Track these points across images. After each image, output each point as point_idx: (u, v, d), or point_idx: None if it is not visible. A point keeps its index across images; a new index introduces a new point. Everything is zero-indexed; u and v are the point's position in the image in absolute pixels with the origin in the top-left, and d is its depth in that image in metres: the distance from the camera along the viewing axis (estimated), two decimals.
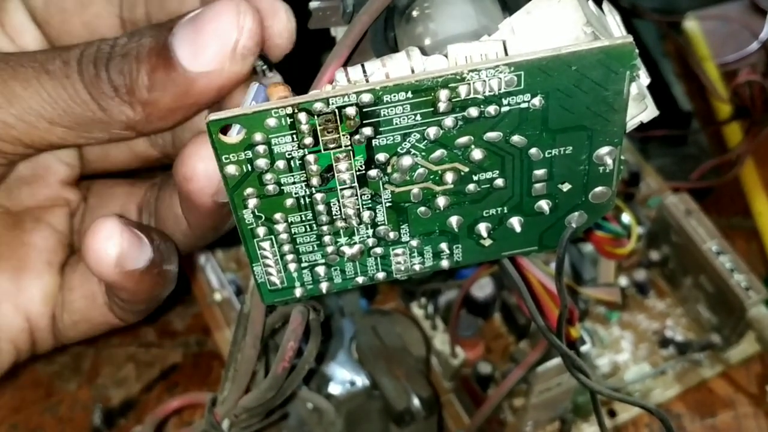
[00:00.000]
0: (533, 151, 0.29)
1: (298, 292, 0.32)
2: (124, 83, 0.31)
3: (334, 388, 0.53)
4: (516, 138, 0.28)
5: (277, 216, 0.29)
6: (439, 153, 0.28)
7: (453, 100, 0.27)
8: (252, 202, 0.29)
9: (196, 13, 0.30)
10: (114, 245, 0.31)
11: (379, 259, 0.32)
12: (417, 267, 0.32)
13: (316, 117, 0.27)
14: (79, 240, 0.39)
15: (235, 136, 0.27)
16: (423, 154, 0.28)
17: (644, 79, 0.29)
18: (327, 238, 0.31)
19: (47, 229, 0.37)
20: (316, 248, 0.31)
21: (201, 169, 0.30)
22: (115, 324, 0.38)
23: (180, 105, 0.31)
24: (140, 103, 0.31)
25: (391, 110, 0.27)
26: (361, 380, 0.53)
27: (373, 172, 0.29)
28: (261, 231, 0.30)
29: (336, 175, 0.28)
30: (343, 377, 0.53)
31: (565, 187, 0.30)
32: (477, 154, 0.29)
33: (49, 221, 0.38)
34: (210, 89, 0.30)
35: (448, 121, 0.28)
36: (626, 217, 0.54)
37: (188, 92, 0.30)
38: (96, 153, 0.40)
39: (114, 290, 0.35)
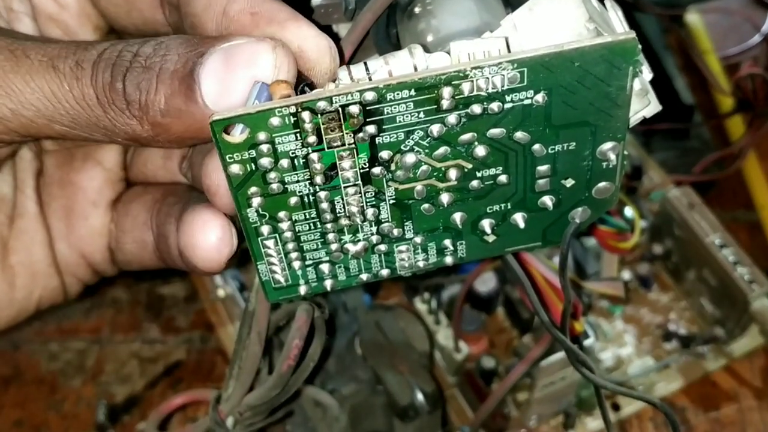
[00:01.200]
0: (536, 147, 0.29)
1: (302, 289, 0.32)
2: (138, 99, 0.29)
3: (338, 384, 0.53)
4: (519, 134, 0.28)
5: (281, 214, 0.29)
6: (442, 150, 0.28)
7: (456, 97, 0.27)
8: (256, 201, 0.29)
9: (231, 45, 0.28)
10: (218, 240, 0.31)
11: (383, 256, 0.32)
12: (421, 264, 0.32)
13: (319, 115, 0.27)
14: (133, 174, 0.39)
15: (238, 135, 0.27)
16: (426, 151, 0.28)
17: (647, 74, 0.29)
18: (331, 236, 0.31)
19: (95, 168, 0.37)
20: (320, 246, 0.31)
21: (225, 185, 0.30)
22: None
23: (192, 136, 0.29)
24: (150, 123, 0.29)
25: (395, 108, 0.27)
26: (365, 375, 0.53)
27: (376, 170, 0.29)
28: (265, 229, 0.30)
29: (340, 173, 0.28)
30: (347, 372, 0.53)
31: (569, 182, 0.30)
32: (480, 150, 0.29)
33: (99, 158, 0.37)
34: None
35: (452, 119, 0.28)
36: (629, 211, 0.54)
37: (204, 128, 0.28)
38: None
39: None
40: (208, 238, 0.32)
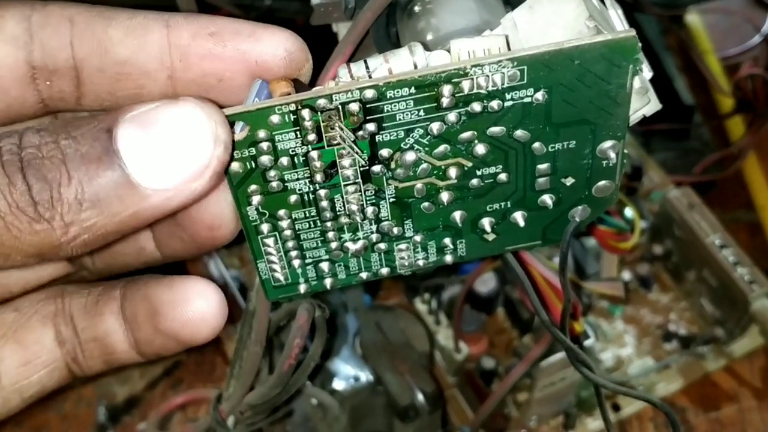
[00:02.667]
0: (536, 145, 0.29)
1: (302, 288, 0.32)
2: (49, 195, 0.23)
3: (339, 384, 0.53)
4: (519, 132, 0.28)
5: (281, 212, 0.29)
6: (442, 148, 0.28)
7: (456, 95, 0.27)
8: (256, 199, 0.29)
9: (143, 111, 0.25)
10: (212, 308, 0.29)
11: (382, 254, 0.32)
12: (421, 262, 0.32)
13: (319, 113, 0.27)
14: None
15: (238, 133, 0.27)
16: (426, 149, 0.28)
17: (647, 72, 0.29)
18: (331, 234, 0.31)
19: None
20: (320, 244, 0.31)
21: (228, 213, 0.29)
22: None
23: (122, 228, 0.25)
24: (66, 223, 0.24)
25: (395, 106, 0.27)
26: (365, 376, 0.53)
27: (376, 168, 0.29)
28: (265, 227, 0.30)
29: (340, 171, 0.28)
30: (347, 373, 0.54)
31: (569, 181, 0.30)
32: (480, 148, 0.29)
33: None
34: (166, 209, 0.25)
35: (452, 117, 0.27)
36: (629, 212, 0.54)
37: (135, 213, 0.24)
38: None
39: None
40: (205, 306, 0.29)
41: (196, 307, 0.29)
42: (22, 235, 0.24)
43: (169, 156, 0.24)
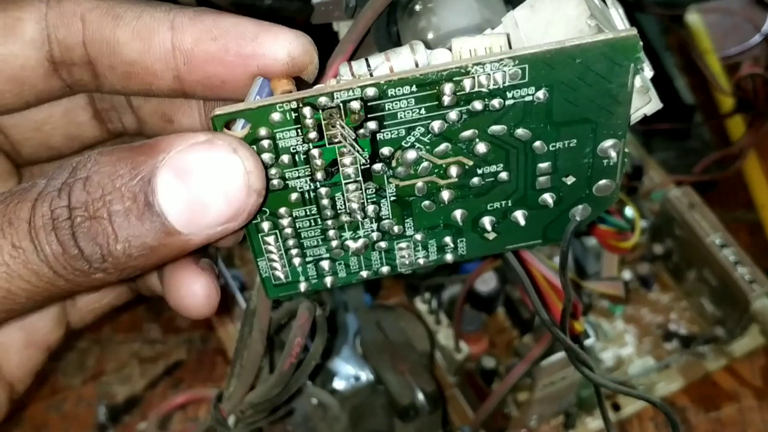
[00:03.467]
0: (537, 144, 0.29)
1: (302, 286, 0.32)
2: (100, 254, 0.26)
3: (339, 384, 0.53)
4: (520, 131, 0.28)
5: (282, 210, 0.29)
6: (443, 147, 0.28)
7: (457, 93, 0.27)
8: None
9: (178, 155, 0.26)
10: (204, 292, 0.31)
11: (383, 253, 0.32)
12: (421, 261, 0.32)
13: (320, 111, 0.27)
14: None
15: (239, 130, 0.27)
16: (427, 147, 0.28)
17: (648, 71, 0.29)
18: (331, 233, 0.31)
19: None
20: (320, 243, 0.31)
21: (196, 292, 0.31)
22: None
23: (167, 261, 0.27)
24: (121, 269, 0.26)
25: (396, 104, 0.27)
26: (366, 375, 0.53)
27: (377, 166, 0.29)
28: (265, 226, 0.30)
29: (340, 169, 0.28)
30: (348, 372, 0.54)
31: (569, 180, 0.30)
32: (481, 147, 0.29)
33: None
34: (207, 243, 0.27)
35: (453, 115, 0.27)
36: (630, 211, 0.54)
37: (180, 252, 0.26)
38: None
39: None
40: (195, 296, 0.31)
41: (187, 294, 0.32)
42: (83, 284, 0.26)
43: (207, 205, 0.26)
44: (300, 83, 0.29)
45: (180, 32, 0.28)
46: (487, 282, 0.59)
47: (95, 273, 0.26)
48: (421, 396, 0.51)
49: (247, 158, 0.26)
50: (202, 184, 0.26)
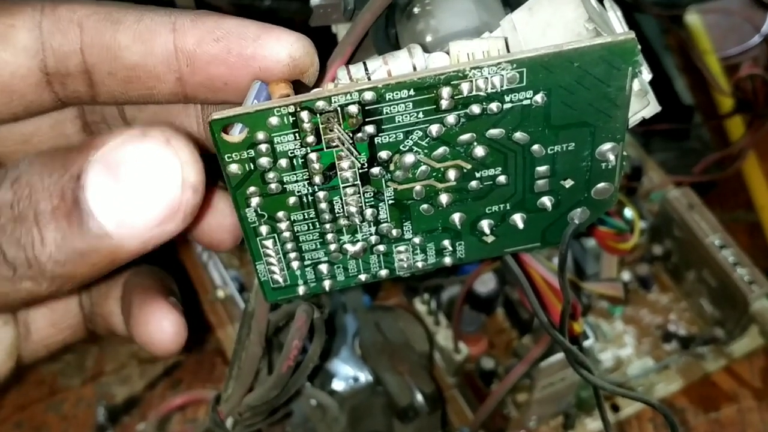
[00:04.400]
0: (536, 147, 0.29)
1: (301, 290, 0.32)
2: (24, 258, 0.24)
3: (338, 385, 0.53)
4: (518, 135, 0.28)
5: (280, 214, 0.29)
6: (441, 150, 0.28)
7: (455, 97, 0.27)
8: (254, 201, 0.29)
9: (110, 151, 0.24)
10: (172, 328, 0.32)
11: (381, 256, 0.32)
12: (420, 264, 0.32)
13: (318, 115, 0.27)
14: None
15: (237, 134, 0.27)
16: (425, 151, 0.28)
17: (646, 74, 0.29)
18: (330, 236, 0.31)
19: None
20: (318, 246, 0.31)
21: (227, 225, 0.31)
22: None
23: (101, 271, 0.25)
24: (48, 278, 0.24)
25: (394, 108, 0.27)
26: (365, 376, 0.53)
27: (375, 170, 0.29)
28: (264, 229, 0.30)
29: (338, 173, 0.28)
30: (347, 373, 0.54)
31: (568, 183, 0.30)
32: (479, 151, 0.29)
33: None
34: (143, 250, 0.25)
35: (451, 119, 0.27)
36: (629, 212, 0.54)
37: (114, 259, 0.25)
38: None
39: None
40: (164, 333, 0.31)
41: (156, 330, 0.32)
42: (9, 293, 0.25)
43: (138, 202, 0.24)
44: (298, 87, 0.29)
45: (182, 34, 0.28)
46: (486, 283, 0.59)
47: (22, 281, 0.24)
48: (420, 397, 0.51)
49: (182, 149, 0.25)
50: (134, 178, 0.24)
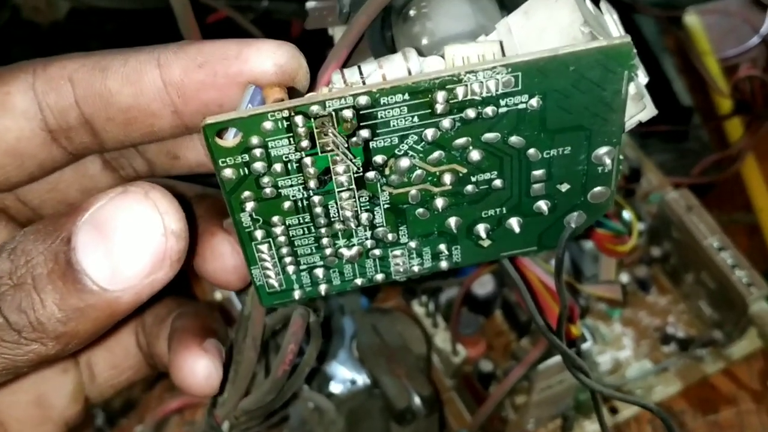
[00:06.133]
0: (531, 151, 0.29)
1: (296, 294, 0.32)
2: (28, 321, 0.25)
3: (335, 387, 0.53)
4: (514, 139, 0.28)
5: (275, 219, 0.29)
6: (437, 154, 0.28)
7: (450, 101, 0.27)
8: (249, 206, 0.28)
9: (94, 212, 0.25)
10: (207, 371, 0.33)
11: (377, 260, 0.32)
12: (416, 268, 0.32)
13: (312, 120, 0.26)
14: None
15: (231, 139, 0.27)
16: (421, 155, 0.28)
17: (642, 78, 0.29)
18: (325, 241, 0.30)
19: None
20: (314, 251, 0.31)
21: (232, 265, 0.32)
22: None
23: (103, 325, 0.26)
24: (53, 338, 0.26)
25: (389, 112, 0.27)
26: (362, 379, 0.53)
27: (370, 174, 0.29)
28: (259, 234, 0.29)
29: (333, 177, 0.28)
30: (344, 376, 0.53)
31: (564, 187, 0.30)
32: (475, 155, 0.28)
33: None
34: (139, 300, 0.26)
35: (446, 123, 0.27)
36: (627, 214, 0.54)
37: (112, 312, 0.26)
38: None
39: None
40: (196, 377, 0.33)
41: (188, 375, 0.33)
42: (16, 358, 0.26)
43: (126, 256, 0.25)
44: (291, 92, 0.28)
45: (167, 68, 0.29)
46: (484, 285, 0.59)
47: (29, 344, 0.26)
48: (417, 399, 0.51)
49: (160, 199, 0.26)
50: (119, 235, 0.25)
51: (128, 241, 0.25)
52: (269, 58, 0.28)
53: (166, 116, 0.29)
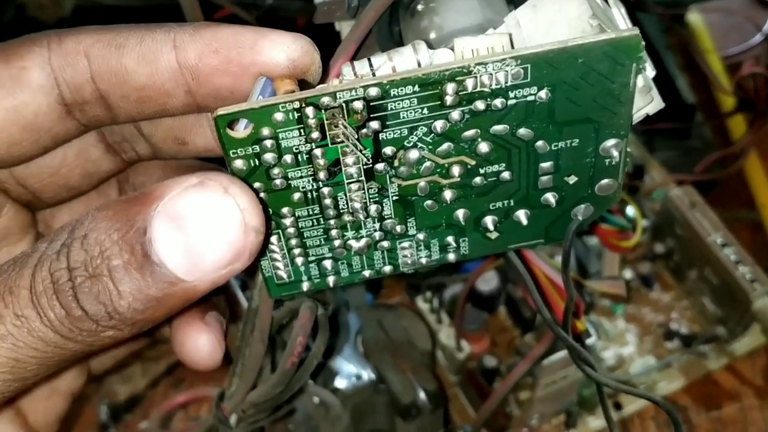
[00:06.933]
0: (540, 143, 0.29)
1: (305, 286, 0.32)
2: (105, 312, 0.25)
3: (341, 383, 0.53)
4: (522, 131, 0.28)
5: (285, 210, 0.29)
6: (445, 146, 0.28)
7: (460, 93, 0.27)
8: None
9: (171, 201, 0.25)
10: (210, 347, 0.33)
11: (385, 252, 0.32)
12: (424, 260, 0.32)
13: (323, 111, 0.27)
14: None
15: (242, 130, 0.27)
16: (430, 147, 0.28)
17: (650, 71, 0.29)
18: (334, 232, 0.31)
19: None
20: (323, 242, 0.31)
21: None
22: None
23: (178, 309, 0.27)
24: (129, 324, 0.26)
25: (398, 104, 0.27)
26: (367, 374, 0.53)
27: (380, 166, 0.29)
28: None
29: (343, 169, 0.28)
30: (349, 371, 0.54)
31: (572, 179, 0.30)
32: (484, 147, 0.29)
33: None
34: (215, 287, 0.27)
35: (455, 115, 0.27)
36: (631, 210, 0.54)
37: (188, 299, 0.26)
38: None
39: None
40: (200, 351, 0.33)
41: (192, 348, 0.33)
42: (93, 343, 0.26)
43: (205, 249, 0.26)
44: (302, 84, 0.29)
45: (183, 50, 0.29)
46: (488, 281, 0.59)
47: (105, 331, 0.26)
48: (422, 395, 0.51)
49: (240, 195, 0.26)
50: (198, 228, 0.25)
51: (207, 234, 0.25)
52: (282, 52, 0.28)
53: (179, 96, 0.30)
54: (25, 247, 0.33)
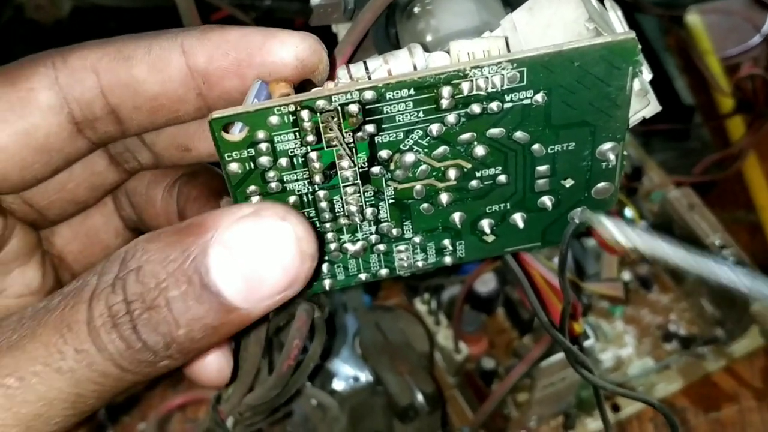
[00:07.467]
0: (536, 147, 0.29)
1: None
2: (164, 342, 0.26)
3: (338, 384, 0.53)
4: (519, 134, 0.28)
5: None
6: (441, 150, 0.28)
7: (455, 96, 0.27)
8: (255, 200, 0.29)
9: (226, 231, 0.25)
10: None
11: (382, 255, 0.32)
12: (420, 263, 0.32)
13: (318, 114, 0.27)
14: None
15: (237, 133, 0.27)
16: (426, 150, 0.28)
17: (647, 74, 0.29)
18: (330, 236, 0.31)
19: None
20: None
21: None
22: None
23: (231, 335, 0.27)
24: (184, 353, 0.26)
25: (394, 107, 0.27)
26: (365, 376, 0.53)
27: (375, 169, 0.29)
28: None
29: (339, 172, 0.28)
30: (347, 373, 0.54)
31: (568, 182, 0.30)
32: (480, 150, 0.29)
33: None
34: (268, 312, 0.27)
35: (451, 118, 0.27)
36: (629, 212, 0.54)
37: (243, 325, 0.26)
38: None
39: None
40: (208, 371, 0.33)
41: (199, 367, 0.33)
42: (150, 374, 0.26)
43: (261, 278, 0.26)
44: (305, 84, 0.29)
45: (192, 55, 0.29)
46: (486, 283, 0.59)
47: (161, 361, 0.26)
48: (420, 397, 0.51)
49: (297, 225, 0.26)
50: (255, 257, 0.25)
51: (265, 262, 0.26)
52: (291, 51, 0.28)
53: (191, 100, 0.30)
54: (35, 266, 0.33)
